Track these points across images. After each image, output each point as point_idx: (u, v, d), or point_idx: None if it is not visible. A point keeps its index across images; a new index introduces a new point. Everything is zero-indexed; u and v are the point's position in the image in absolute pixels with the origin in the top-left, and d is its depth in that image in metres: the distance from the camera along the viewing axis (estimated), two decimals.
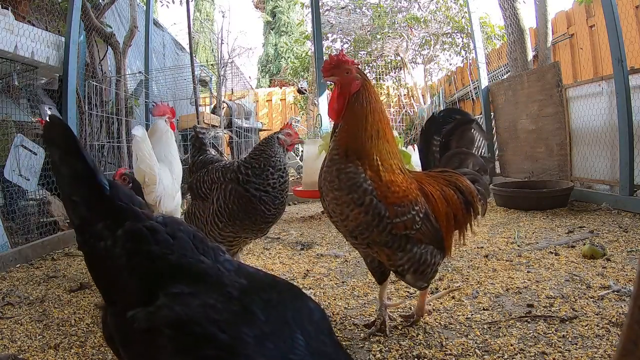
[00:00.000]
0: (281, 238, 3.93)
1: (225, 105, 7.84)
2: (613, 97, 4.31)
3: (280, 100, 14.92)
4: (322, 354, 0.95)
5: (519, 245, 3.24)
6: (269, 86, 18.71)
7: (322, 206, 1.92)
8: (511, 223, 3.99)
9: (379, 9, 10.98)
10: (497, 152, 6.62)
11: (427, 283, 1.97)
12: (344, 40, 11.57)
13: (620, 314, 1.96)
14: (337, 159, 1.78)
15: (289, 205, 5.84)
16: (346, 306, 2.29)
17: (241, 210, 2.29)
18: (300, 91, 12.83)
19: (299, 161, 8.76)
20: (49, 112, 4.83)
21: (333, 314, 2.19)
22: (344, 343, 1.88)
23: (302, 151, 7.58)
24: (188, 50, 7.34)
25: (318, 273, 2.87)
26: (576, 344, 1.74)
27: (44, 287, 2.80)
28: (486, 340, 1.83)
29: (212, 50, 14.93)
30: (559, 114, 5.15)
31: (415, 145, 4.11)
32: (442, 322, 2.03)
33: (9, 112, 4.22)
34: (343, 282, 2.66)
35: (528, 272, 2.63)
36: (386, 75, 11.25)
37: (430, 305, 2.23)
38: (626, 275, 2.45)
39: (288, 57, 19.82)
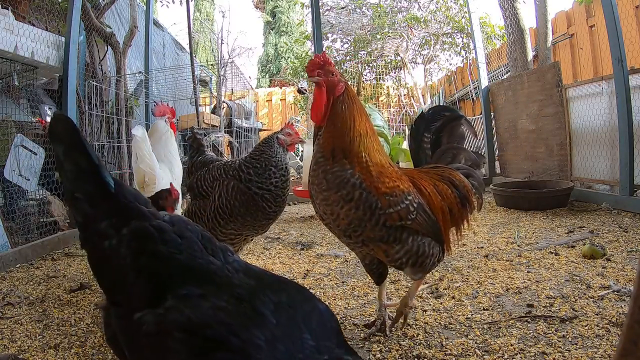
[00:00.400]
0: (281, 238, 3.93)
1: (225, 105, 7.84)
2: (613, 97, 4.31)
3: (280, 100, 14.92)
4: (331, 356, 0.95)
5: (519, 245, 3.24)
6: (269, 86, 18.71)
7: (314, 210, 1.91)
8: (511, 223, 3.99)
9: (379, 9, 10.98)
10: (497, 152, 6.63)
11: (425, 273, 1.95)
12: (344, 40, 11.57)
13: (620, 314, 1.96)
14: (322, 161, 1.78)
15: (289, 205, 5.84)
16: (346, 306, 2.29)
17: (243, 206, 2.31)
18: (300, 91, 12.83)
19: (299, 161, 8.76)
20: (49, 112, 4.84)
21: None
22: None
23: (302, 151, 7.58)
24: (188, 50, 7.35)
25: (318, 273, 2.87)
26: (576, 344, 1.74)
27: (44, 287, 2.80)
28: (486, 340, 1.83)
29: (212, 50, 14.93)
30: (559, 114, 5.15)
31: None
32: (442, 322, 2.03)
33: (9, 112, 4.22)
34: (343, 282, 2.66)
35: (528, 272, 2.63)
36: (386, 75, 11.26)
37: (430, 305, 2.23)
38: (626, 275, 2.45)
39: (288, 57, 19.82)
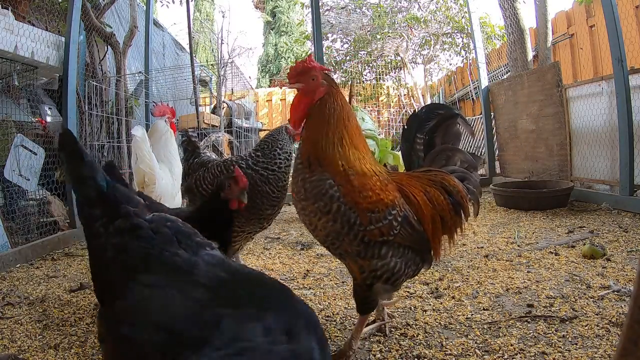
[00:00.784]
0: (281, 238, 3.93)
1: (225, 105, 7.84)
2: (613, 97, 4.31)
3: (280, 100, 14.91)
4: (301, 349, 0.96)
5: (519, 245, 3.24)
6: (269, 86, 18.71)
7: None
8: (511, 223, 3.99)
9: (379, 9, 10.99)
10: (497, 152, 6.63)
11: (373, 306, 1.79)
12: (344, 40, 11.58)
13: (620, 314, 1.96)
14: (300, 168, 1.71)
15: (289, 205, 5.84)
16: (346, 306, 2.29)
17: (247, 197, 2.34)
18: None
19: None
20: (49, 112, 4.84)
21: (333, 314, 2.19)
22: (344, 343, 1.88)
23: None
24: (188, 50, 7.35)
25: (318, 273, 2.87)
26: (576, 344, 1.74)
27: (44, 287, 2.80)
28: (486, 340, 1.83)
29: (212, 50, 14.92)
30: (559, 114, 5.15)
31: None
32: (442, 322, 2.03)
33: (9, 112, 4.22)
34: (343, 282, 2.66)
35: (528, 272, 2.63)
36: (386, 75, 11.27)
37: (430, 305, 2.23)
38: (626, 275, 2.45)
39: (288, 57, 19.85)
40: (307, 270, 2.93)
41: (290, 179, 1.82)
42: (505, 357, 1.69)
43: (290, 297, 1.09)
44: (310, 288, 2.59)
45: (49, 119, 4.83)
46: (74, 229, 4.12)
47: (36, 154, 3.95)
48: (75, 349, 1.93)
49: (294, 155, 2.53)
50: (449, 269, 2.78)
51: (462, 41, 10.95)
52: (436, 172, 1.91)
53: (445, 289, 2.43)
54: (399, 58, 10.85)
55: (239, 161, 2.48)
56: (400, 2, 11.13)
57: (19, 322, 2.25)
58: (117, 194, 1.26)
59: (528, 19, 7.59)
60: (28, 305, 2.50)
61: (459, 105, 10.54)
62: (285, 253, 3.42)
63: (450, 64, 11.59)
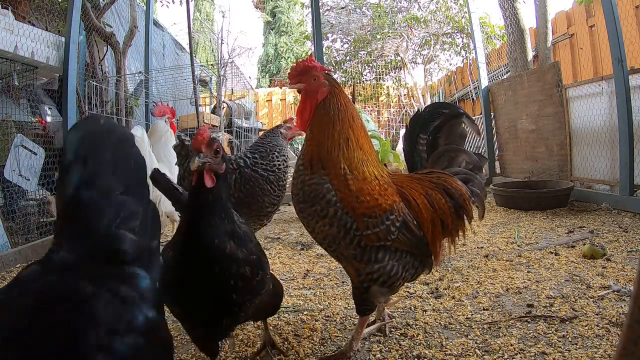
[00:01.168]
0: (281, 238, 3.93)
1: (225, 105, 7.84)
2: (613, 97, 4.31)
3: (280, 100, 14.91)
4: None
5: (519, 245, 3.24)
6: (269, 86, 18.71)
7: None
8: (511, 223, 3.99)
9: (379, 9, 10.99)
10: (497, 152, 6.63)
11: (372, 307, 1.77)
12: (344, 40, 11.59)
13: (620, 314, 1.96)
14: (302, 169, 1.69)
15: (289, 205, 5.84)
16: (346, 306, 2.29)
17: (249, 195, 2.39)
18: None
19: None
20: (49, 112, 4.84)
21: (333, 314, 2.19)
22: (343, 343, 1.88)
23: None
24: (188, 50, 7.34)
25: (318, 273, 2.87)
26: (576, 344, 1.74)
27: None
28: (486, 340, 1.83)
29: (212, 50, 14.93)
30: (559, 114, 5.15)
31: None
32: (442, 322, 2.03)
33: (9, 112, 4.22)
34: (343, 282, 2.66)
35: (528, 272, 2.63)
36: (386, 75, 11.27)
37: (430, 305, 2.23)
38: (626, 275, 2.45)
39: (288, 57, 19.84)
40: (307, 270, 2.93)
41: (292, 180, 1.82)
42: (505, 357, 1.69)
43: None
44: (310, 288, 2.59)
45: (49, 119, 4.84)
46: None
47: (36, 154, 3.95)
48: None
49: (289, 155, 2.55)
50: (449, 269, 2.78)
51: (462, 41, 10.95)
52: (439, 174, 1.86)
53: (445, 289, 2.43)
54: (399, 58, 10.85)
55: (238, 160, 2.50)
56: (400, 2, 11.13)
57: None
58: None
59: (528, 19, 7.60)
60: None
61: (458, 105, 10.53)
62: (285, 253, 3.42)
63: (450, 64, 11.60)
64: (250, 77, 14.97)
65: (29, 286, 0.87)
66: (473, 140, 8.06)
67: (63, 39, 4.50)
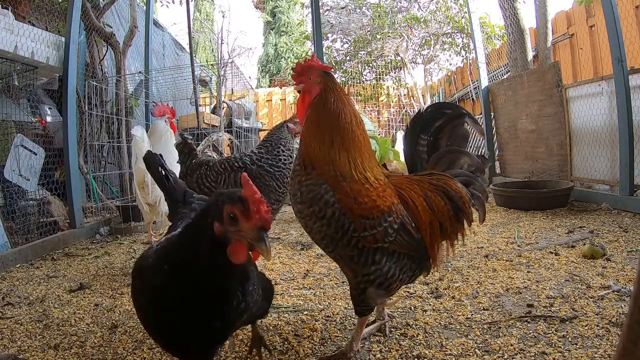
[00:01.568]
0: (281, 238, 3.93)
1: (225, 105, 7.84)
2: (613, 97, 4.31)
3: (280, 100, 14.91)
4: None
5: (519, 245, 3.24)
6: (269, 86, 18.71)
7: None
8: (511, 223, 3.99)
9: (379, 9, 10.98)
10: (497, 152, 6.63)
11: (370, 308, 1.75)
12: (344, 40, 11.58)
13: (620, 314, 1.96)
14: (298, 170, 1.70)
15: (289, 205, 5.84)
16: (346, 306, 2.29)
17: None
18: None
19: None
20: (49, 112, 4.84)
21: (333, 314, 2.19)
22: (343, 343, 1.88)
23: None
24: (188, 50, 7.34)
25: (318, 273, 2.87)
26: (576, 344, 1.74)
27: (44, 287, 2.80)
28: (486, 340, 1.83)
29: (212, 50, 14.92)
30: (559, 114, 5.15)
31: None
32: (442, 322, 2.03)
33: (9, 112, 4.22)
34: (343, 282, 2.66)
35: (528, 272, 2.63)
36: (386, 75, 11.25)
37: (430, 305, 2.23)
38: (626, 275, 2.45)
39: (288, 57, 19.83)
40: (307, 270, 2.93)
41: (290, 180, 1.82)
42: (505, 357, 1.69)
43: None
44: (310, 288, 2.59)
45: (49, 119, 4.84)
46: (73, 229, 4.12)
47: (36, 154, 3.95)
48: (75, 349, 1.93)
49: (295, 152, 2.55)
50: (449, 269, 2.78)
51: (462, 41, 10.94)
52: (439, 176, 1.83)
53: (445, 289, 2.43)
54: (399, 58, 10.84)
55: (244, 157, 2.50)
56: (400, 2, 11.12)
57: (19, 322, 2.25)
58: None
59: (528, 19, 7.60)
60: (28, 305, 2.50)
61: (459, 105, 10.53)
62: (285, 253, 3.42)
63: (450, 64, 11.59)
64: (250, 77, 14.98)
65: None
66: (474, 140, 8.06)
67: (63, 39, 4.50)
